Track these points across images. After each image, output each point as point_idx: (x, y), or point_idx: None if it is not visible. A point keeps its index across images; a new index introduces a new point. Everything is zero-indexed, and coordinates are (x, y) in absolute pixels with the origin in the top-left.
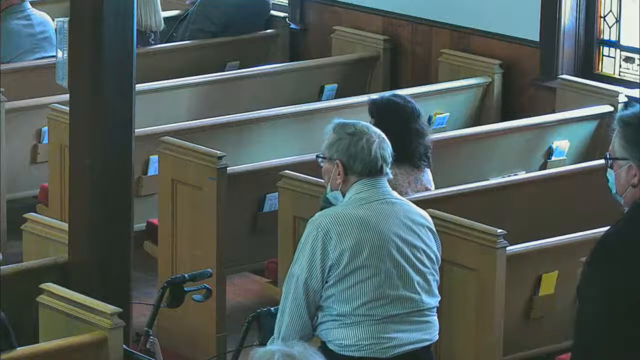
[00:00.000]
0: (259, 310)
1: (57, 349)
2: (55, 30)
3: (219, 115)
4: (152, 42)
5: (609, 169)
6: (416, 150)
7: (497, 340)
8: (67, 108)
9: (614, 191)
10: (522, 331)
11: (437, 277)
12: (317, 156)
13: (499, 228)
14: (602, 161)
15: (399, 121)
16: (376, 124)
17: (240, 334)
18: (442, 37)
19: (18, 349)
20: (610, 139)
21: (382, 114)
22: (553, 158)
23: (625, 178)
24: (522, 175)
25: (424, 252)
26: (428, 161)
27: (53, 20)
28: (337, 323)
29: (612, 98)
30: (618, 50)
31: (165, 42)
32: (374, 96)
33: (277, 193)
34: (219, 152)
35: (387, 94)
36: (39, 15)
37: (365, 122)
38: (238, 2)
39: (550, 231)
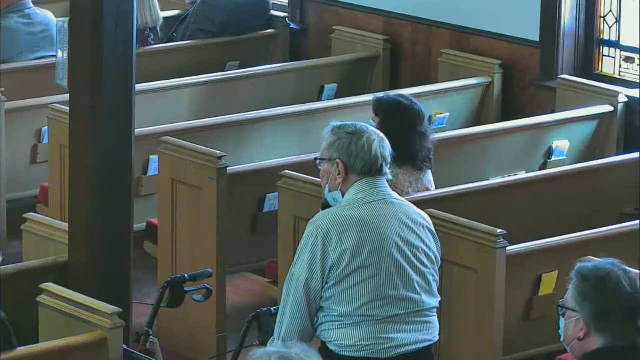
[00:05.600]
0: (259, 310)
1: (57, 349)
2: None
3: (219, 115)
4: (152, 42)
5: (561, 317)
6: (419, 152)
7: (497, 340)
8: (67, 108)
9: (562, 339)
10: (522, 331)
11: (437, 278)
12: (316, 159)
13: (499, 228)
14: (602, 161)
15: (405, 123)
16: (381, 123)
17: (240, 334)
18: (442, 37)
19: (18, 349)
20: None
21: (388, 114)
22: (553, 158)
23: (573, 330)
24: (522, 175)
25: (424, 252)
26: (430, 163)
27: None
28: (337, 323)
29: (612, 98)
30: (618, 50)
31: (165, 42)
32: (380, 94)
33: (277, 193)
34: (219, 152)
35: (392, 93)
36: (41, 14)
37: (363, 123)
38: (238, 2)
39: (550, 231)
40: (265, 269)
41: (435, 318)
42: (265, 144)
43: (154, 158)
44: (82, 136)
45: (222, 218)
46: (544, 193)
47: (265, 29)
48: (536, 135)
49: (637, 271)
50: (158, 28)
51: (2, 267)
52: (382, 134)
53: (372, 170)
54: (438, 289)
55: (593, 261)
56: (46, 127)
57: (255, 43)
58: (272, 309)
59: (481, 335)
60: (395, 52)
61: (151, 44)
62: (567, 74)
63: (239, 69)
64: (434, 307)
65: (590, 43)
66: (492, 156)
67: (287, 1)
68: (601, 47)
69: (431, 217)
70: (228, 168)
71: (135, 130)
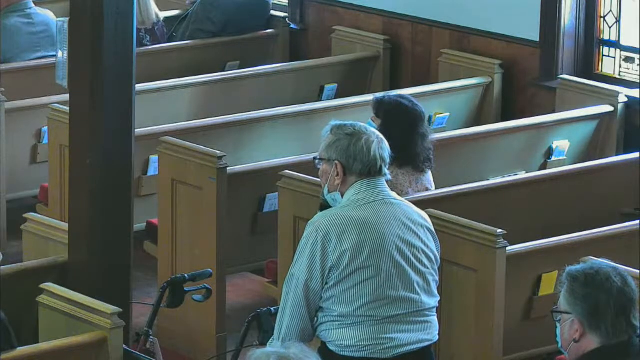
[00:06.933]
0: (259, 310)
1: (57, 349)
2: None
3: (219, 115)
4: (148, 43)
5: (557, 323)
6: (420, 154)
7: (497, 340)
8: (67, 108)
9: (559, 345)
10: (522, 331)
11: (437, 278)
12: (315, 158)
13: (499, 228)
14: (602, 161)
15: (406, 125)
16: (382, 125)
17: (240, 334)
18: (442, 37)
19: (18, 349)
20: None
21: (389, 115)
22: (553, 158)
23: (569, 333)
24: (522, 175)
25: (424, 252)
26: (430, 163)
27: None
28: (337, 324)
29: (612, 98)
30: (618, 50)
31: (165, 42)
32: (379, 95)
33: (277, 193)
34: (219, 152)
35: (392, 94)
36: (42, 13)
37: (362, 123)
38: (238, 2)
39: (550, 231)
40: (265, 269)
41: (435, 318)
42: (265, 144)
43: (154, 158)
44: (82, 136)
45: (222, 218)
46: (544, 193)
47: (265, 29)
48: (536, 135)
49: (629, 269)
50: (156, 29)
51: (2, 267)
52: (381, 135)
53: (371, 171)
54: (438, 288)
55: (582, 264)
56: (46, 127)
57: (255, 43)
58: (272, 309)
59: (481, 335)
60: (395, 52)
61: (146, 45)
62: (567, 74)
63: (239, 69)
64: (434, 307)
65: (590, 43)
66: (492, 156)
67: (287, 1)
68: (601, 47)
69: (431, 217)
70: (228, 168)
71: (135, 130)
